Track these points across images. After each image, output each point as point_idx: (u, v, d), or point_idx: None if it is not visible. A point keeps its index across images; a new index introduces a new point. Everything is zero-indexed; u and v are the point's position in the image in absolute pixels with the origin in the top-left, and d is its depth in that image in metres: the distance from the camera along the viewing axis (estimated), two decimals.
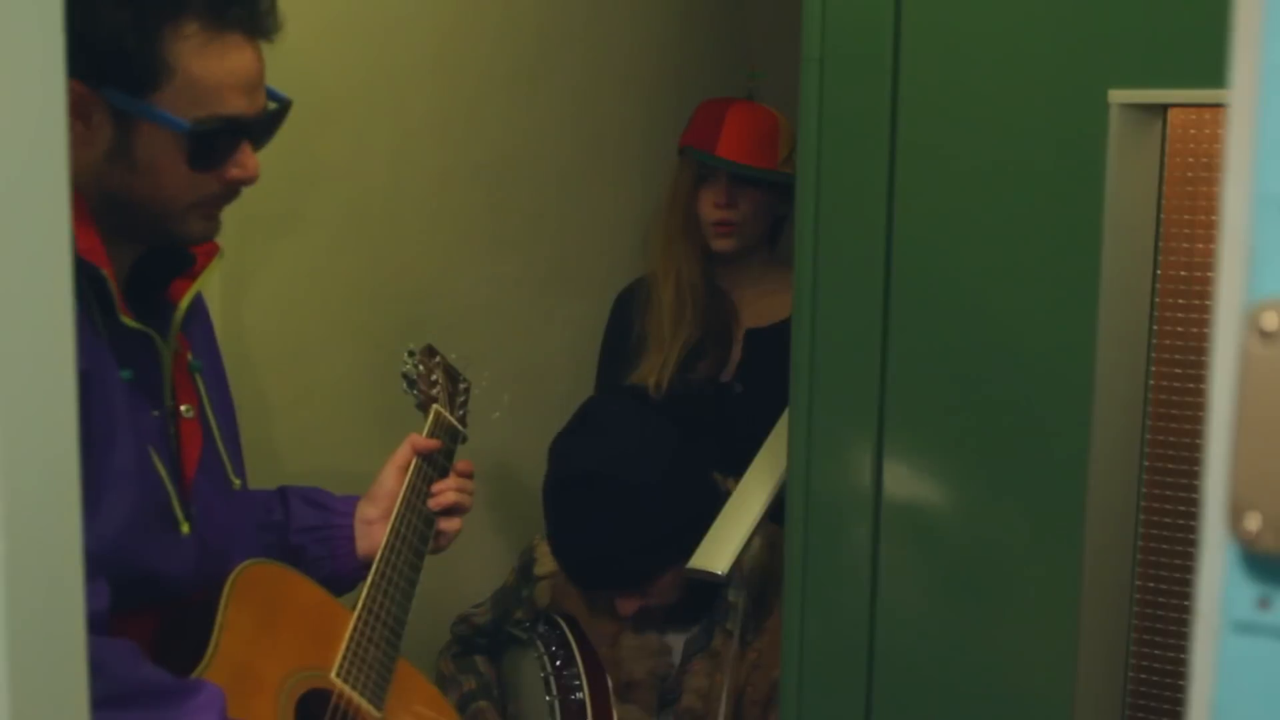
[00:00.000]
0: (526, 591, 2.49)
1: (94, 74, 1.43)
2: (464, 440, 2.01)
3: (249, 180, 1.57)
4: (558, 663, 2.29)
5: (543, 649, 2.31)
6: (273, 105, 1.60)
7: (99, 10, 1.42)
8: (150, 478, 1.55)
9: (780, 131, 2.70)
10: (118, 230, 1.55)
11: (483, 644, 2.52)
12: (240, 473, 1.75)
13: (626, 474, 2.34)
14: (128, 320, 1.53)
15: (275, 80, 1.63)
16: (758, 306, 2.76)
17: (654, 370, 2.70)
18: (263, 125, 1.58)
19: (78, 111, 1.45)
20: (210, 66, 1.48)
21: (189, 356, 1.67)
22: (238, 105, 1.52)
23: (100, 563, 1.39)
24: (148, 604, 1.59)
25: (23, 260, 0.77)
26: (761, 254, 2.79)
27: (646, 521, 2.32)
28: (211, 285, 1.72)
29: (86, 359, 1.41)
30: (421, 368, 2.02)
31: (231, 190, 1.58)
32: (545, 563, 2.49)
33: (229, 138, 1.53)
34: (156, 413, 1.59)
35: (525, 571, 2.51)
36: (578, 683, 2.27)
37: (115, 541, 1.49)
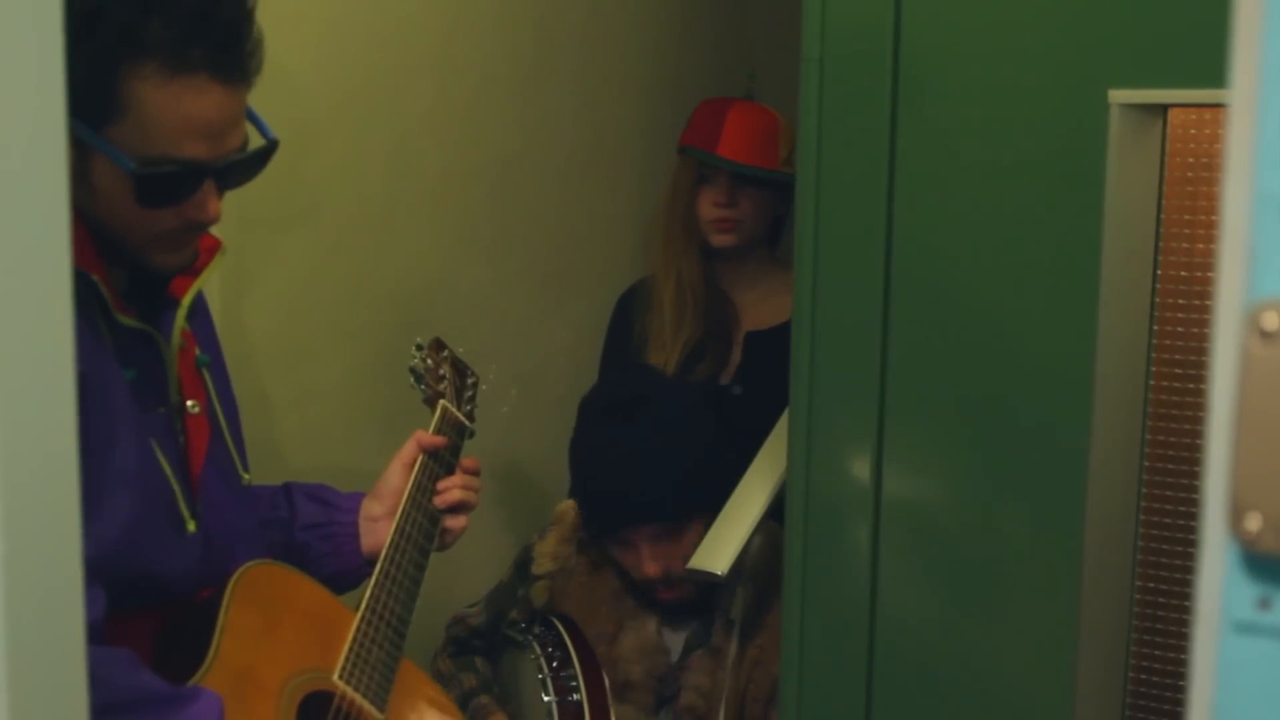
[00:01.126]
0: (522, 591, 2.49)
1: None
2: (471, 435, 2.00)
3: (206, 223, 1.53)
4: (554, 664, 2.29)
5: (539, 650, 2.30)
6: (261, 142, 1.56)
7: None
8: (154, 477, 1.55)
9: (780, 132, 2.70)
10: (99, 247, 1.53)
11: (479, 645, 2.51)
12: (247, 467, 1.75)
13: (667, 397, 2.45)
14: (126, 320, 1.53)
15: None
16: (759, 309, 2.76)
17: None
18: (231, 168, 1.53)
19: None
20: (166, 109, 1.43)
21: (196, 351, 1.66)
22: (194, 150, 1.46)
23: (102, 565, 1.39)
24: (151, 605, 1.59)
25: (22, 265, 0.77)
26: (761, 255, 2.79)
27: (683, 443, 2.37)
28: (212, 284, 1.72)
29: (85, 361, 1.40)
30: (429, 362, 2.01)
31: (192, 227, 1.54)
32: (543, 563, 2.49)
33: (182, 180, 1.48)
34: (162, 409, 1.59)
35: (522, 571, 2.51)
36: (575, 683, 2.27)
37: (118, 542, 1.49)
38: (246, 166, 1.56)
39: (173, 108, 1.43)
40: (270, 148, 1.57)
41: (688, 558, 2.33)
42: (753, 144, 2.67)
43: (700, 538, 2.34)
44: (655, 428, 2.39)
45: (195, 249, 1.59)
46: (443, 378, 2.01)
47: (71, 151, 1.40)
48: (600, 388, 2.57)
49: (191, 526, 1.59)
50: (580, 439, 2.48)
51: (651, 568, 2.36)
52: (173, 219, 1.50)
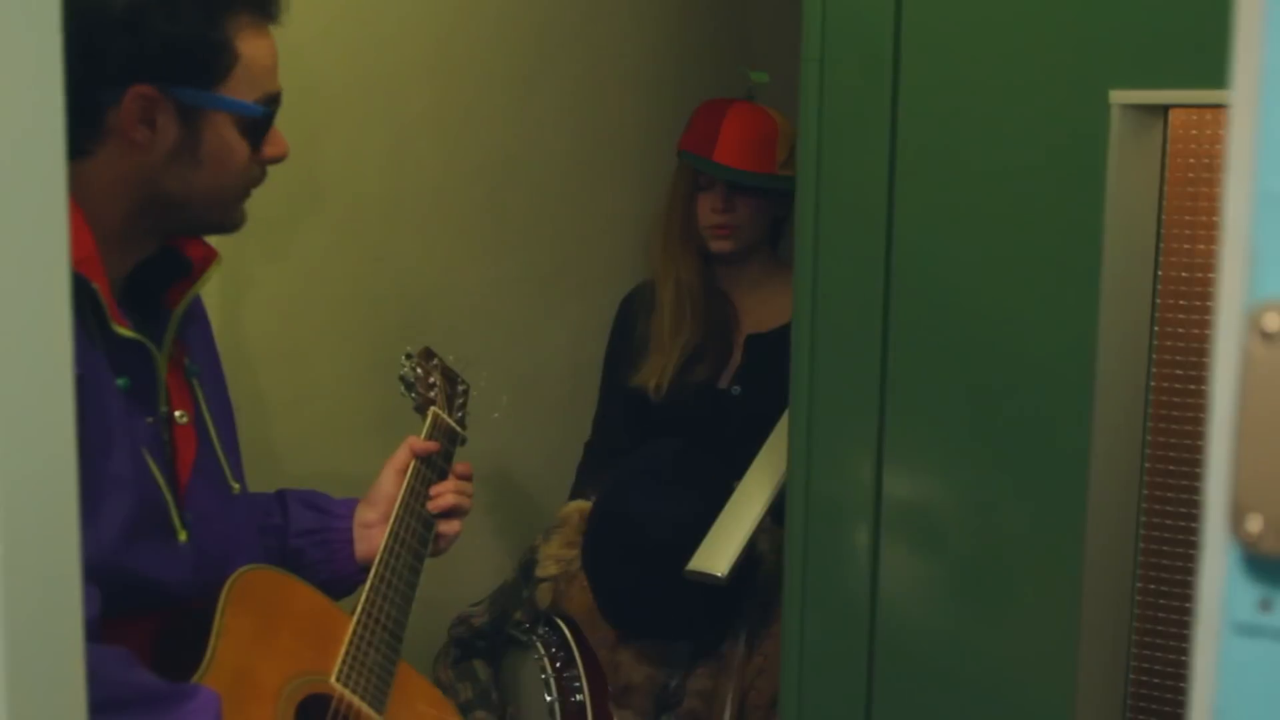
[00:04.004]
0: (527, 592, 2.49)
1: (165, 74, 1.49)
2: (463, 442, 2.00)
3: (283, 157, 1.65)
4: (558, 664, 2.29)
5: (543, 651, 2.30)
6: None
7: (176, 10, 1.48)
8: (147, 485, 1.54)
9: (779, 134, 2.69)
10: (151, 230, 1.58)
11: (481, 646, 2.51)
12: (239, 477, 1.74)
13: (669, 516, 2.29)
14: (121, 330, 1.52)
15: None
16: (759, 311, 2.75)
17: (654, 374, 2.70)
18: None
19: (145, 117, 1.50)
20: (259, 50, 1.57)
21: (185, 361, 1.66)
22: (277, 84, 1.61)
23: (96, 570, 1.38)
24: (146, 610, 1.58)
25: (20, 272, 0.76)
26: (762, 257, 2.78)
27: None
28: (209, 288, 1.73)
29: (81, 366, 1.40)
30: (419, 370, 2.02)
31: (264, 172, 1.65)
32: (548, 565, 2.48)
33: (274, 117, 1.61)
34: (151, 419, 1.58)
35: (527, 572, 2.51)
36: (578, 684, 2.27)
37: (112, 549, 1.48)
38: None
39: (263, 48, 1.57)
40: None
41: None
42: (749, 149, 2.66)
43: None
44: (670, 555, 2.27)
45: None
46: (433, 385, 2.01)
47: (176, 129, 1.51)
48: (615, 503, 2.36)
49: (182, 536, 1.59)
50: (600, 551, 2.36)
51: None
52: (257, 166, 1.62)
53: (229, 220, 1.64)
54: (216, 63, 1.53)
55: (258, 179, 1.64)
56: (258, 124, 1.58)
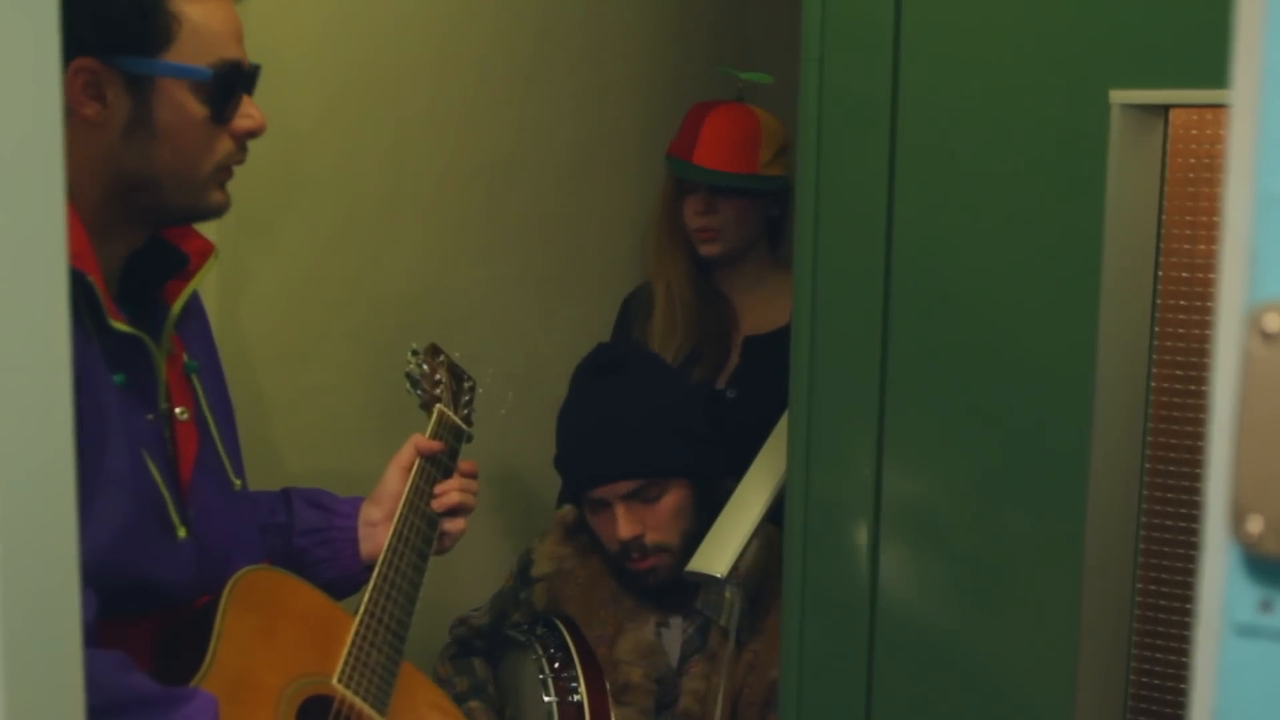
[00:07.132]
0: (524, 594, 2.49)
1: (106, 45, 1.46)
2: (469, 439, 2.00)
3: (258, 130, 1.60)
4: (556, 664, 2.29)
5: (541, 651, 2.30)
6: None
7: None
8: (145, 483, 1.54)
9: (762, 133, 2.67)
10: (128, 218, 1.56)
11: (480, 646, 2.52)
12: (240, 474, 1.74)
13: (639, 360, 2.51)
14: (118, 325, 1.52)
15: (273, 79, 1.63)
16: (758, 312, 2.75)
17: None
18: (255, 74, 1.61)
19: (94, 92, 1.48)
20: (211, 13, 1.53)
21: (184, 358, 1.66)
22: (238, 52, 1.56)
23: (94, 570, 1.38)
24: (148, 611, 1.58)
25: (17, 267, 0.76)
26: (758, 256, 2.78)
27: (653, 402, 2.41)
28: (208, 286, 1.72)
29: (76, 364, 1.40)
30: (425, 367, 2.01)
31: (241, 149, 1.60)
32: (542, 564, 2.49)
33: (237, 85, 1.57)
34: (151, 416, 1.58)
35: (523, 574, 2.51)
36: (575, 684, 2.27)
37: (109, 548, 1.48)
38: (255, 80, 1.63)
39: (215, 14, 1.54)
40: (259, 68, 1.65)
41: (660, 529, 2.36)
42: (728, 150, 2.65)
43: (676, 504, 2.36)
44: (626, 387, 2.43)
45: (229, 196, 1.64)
46: (439, 382, 2.01)
47: (128, 102, 1.49)
48: (585, 357, 2.60)
49: (182, 533, 1.58)
50: (564, 404, 2.53)
51: (626, 528, 2.36)
52: (229, 140, 1.57)
53: (204, 203, 1.59)
54: (156, 28, 1.49)
55: (233, 157, 1.59)
56: (214, 89, 1.53)
